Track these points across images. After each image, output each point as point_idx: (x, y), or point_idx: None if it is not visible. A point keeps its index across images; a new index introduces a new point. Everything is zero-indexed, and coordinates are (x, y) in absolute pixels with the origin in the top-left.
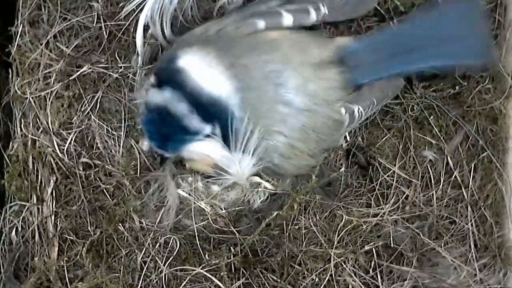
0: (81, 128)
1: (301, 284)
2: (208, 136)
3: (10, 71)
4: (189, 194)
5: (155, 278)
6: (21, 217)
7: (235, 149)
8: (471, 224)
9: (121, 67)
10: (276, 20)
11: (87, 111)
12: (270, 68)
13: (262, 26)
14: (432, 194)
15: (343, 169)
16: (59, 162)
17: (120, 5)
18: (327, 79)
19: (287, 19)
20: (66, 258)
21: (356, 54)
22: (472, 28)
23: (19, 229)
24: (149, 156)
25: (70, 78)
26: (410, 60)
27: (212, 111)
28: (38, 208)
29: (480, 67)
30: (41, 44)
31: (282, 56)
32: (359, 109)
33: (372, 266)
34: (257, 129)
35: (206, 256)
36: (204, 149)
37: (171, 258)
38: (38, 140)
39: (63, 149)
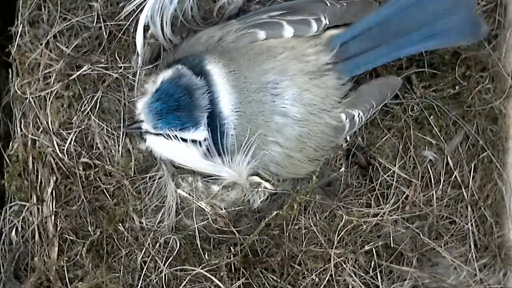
0: (81, 128)
1: (301, 284)
2: (194, 141)
3: (10, 71)
4: (189, 194)
5: (155, 278)
6: (21, 217)
7: (228, 157)
8: (471, 224)
9: (121, 67)
10: (277, 31)
11: (87, 111)
12: (268, 79)
13: (263, 36)
14: (432, 194)
15: (343, 169)
16: (59, 162)
17: (120, 5)
18: (323, 86)
19: (288, 31)
20: (66, 258)
21: (346, 45)
22: (458, 6)
23: (19, 229)
24: (148, 155)
25: (70, 78)
26: (399, 45)
27: (213, 118)
28: (38, 208)
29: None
30: (41, 44)
31: (280, 65)
32: (359, 114)
33: (372, 266)
34: (254, 136)
35: (206, 256)
36: (184, 155)
37: (171, 258)
38: (38, 140)
39: (63, 149)
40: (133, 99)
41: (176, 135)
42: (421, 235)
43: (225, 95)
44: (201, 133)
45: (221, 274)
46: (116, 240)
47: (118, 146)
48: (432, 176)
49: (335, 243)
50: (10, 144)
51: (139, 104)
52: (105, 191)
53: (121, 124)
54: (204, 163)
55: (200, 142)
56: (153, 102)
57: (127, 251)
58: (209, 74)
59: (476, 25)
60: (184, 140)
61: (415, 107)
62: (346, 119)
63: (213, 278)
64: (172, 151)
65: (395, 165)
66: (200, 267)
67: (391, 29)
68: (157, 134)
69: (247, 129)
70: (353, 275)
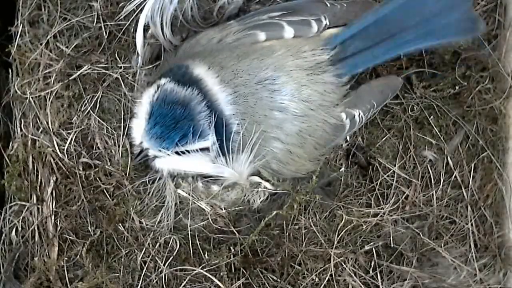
0: (81, 128)
1: (301, 284)
2: (204, 149)
3: (10, 71)
4: (189, 194)
5: (155, 278)
6: (21, 217)
7: (232, 157)
8: (471, 224)
9: (121, 67)
10: (278, 32)
11: (87, 111)
12: (265, 75)
13: (263, 38)
14: (432, 194)
15: (343, 169)
16: (59, 162)
17: (120, 5)
18: (322, 82)
19: (289, 32)
20: (66, 258)
21: (344, 44)
22: (455, 2)
23: (19, 229)
24: None
25: (70, 78)
26: (397, 43)
27: (218, 121)
28: (38, 208)
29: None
30: (41, 44)
31: (276, 62)
32: (359, 113)
33: (372, 266)
34: (256, 134)
35: (206, 256)
36: (195, 165)
37: (171, 258)
38: (38, 140)
39: (63, 149)
40: (133, 99)
41: (186, 150)
42: (421, 235)
43: (221, 96)
44: (208, 137)
45: (221, 274)
46: (116, 240)
47: (118, 146)
48: (432, 176)
49: (335, 243)
50: (10, 144)
51: (135, 132)
52: (105, 191)
53: (121, 124)
54: (210, 166)
55: (208, 148)
56: (151, 128)
57: (127, 251)
58: (198, 79)
59: (473, 20)
60: (194, 150)
61: (415, 107)
62: (346, 118)
63: (213, 278)
64: (185, 164)
65: (395, 165)
66: (200, 267)
67: (388, 28)
68: (166, 155)
69: (248, 127)
70: (353, 275)
